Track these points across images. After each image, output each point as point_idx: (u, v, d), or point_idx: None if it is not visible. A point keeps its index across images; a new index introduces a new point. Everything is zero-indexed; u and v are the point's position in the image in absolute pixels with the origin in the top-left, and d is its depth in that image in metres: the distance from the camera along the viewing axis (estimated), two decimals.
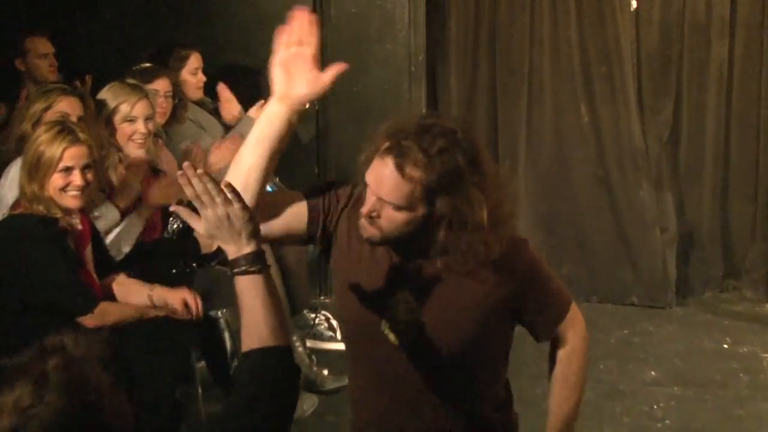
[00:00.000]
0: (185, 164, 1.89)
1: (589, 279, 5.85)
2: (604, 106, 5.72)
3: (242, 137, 3.73)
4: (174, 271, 3.89)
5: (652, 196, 5.74)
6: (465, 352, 2.27)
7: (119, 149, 3.94)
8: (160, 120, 4.43)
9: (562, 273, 5.49)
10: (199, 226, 1.90)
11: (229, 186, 1.89)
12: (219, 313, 4.18)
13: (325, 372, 4.62)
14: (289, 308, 4.48)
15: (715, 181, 5.87)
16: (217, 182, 1.88)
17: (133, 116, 3.91)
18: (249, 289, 1.84)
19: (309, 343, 4.80)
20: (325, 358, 4.76)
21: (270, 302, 1.83)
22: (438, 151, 2.09)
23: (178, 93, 4.64)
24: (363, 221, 2.17)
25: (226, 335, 4.18)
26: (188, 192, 1.88)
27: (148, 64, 4.62)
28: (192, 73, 4.93)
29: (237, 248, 1.87)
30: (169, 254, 3.96)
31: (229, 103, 4.92)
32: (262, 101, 4.11)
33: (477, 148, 2.15)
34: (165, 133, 4.55)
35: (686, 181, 5.89)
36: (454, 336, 2.25)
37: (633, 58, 5.70)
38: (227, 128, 4.83)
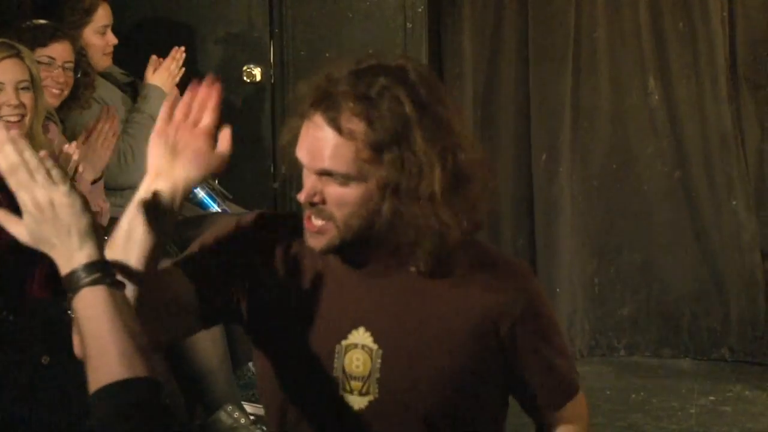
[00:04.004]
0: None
1: (661, 325, 5.43)
2: (681, 80, 5.32)
3: (152, 118, 4.04)
4: None
5: (750, 208, 5.33)
6: (449, 409, 2.06)
7: None
8: (53, 101, 4.07)
9: (621, 315, 5.28)
10: (20, 231, 1.71)
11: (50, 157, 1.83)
12: None
13: None
14: (228, 360, 4.18)
15: None
16: (35, 152, 1.76)
17: None
18: (89, 308, 1.66)
19: (251, 408, 4.31)
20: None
21: (120, 323, 1.67)
22: (380, 91, 1.96)
23: (83, 65, 4.24)
24: (306, 226, 2.03)
25: None
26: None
27: (41, 21, 4.19)
28: (99, 32, 4.48)
29: (68, 255, 1.67)
30: None
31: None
32: (154, 57, 4.27)
33: (432, 85, 2.02)
34: (60, 120, 4.15)
35: None
36: (435, 388, 2.05)
37: (724, 9, 5.27)
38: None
